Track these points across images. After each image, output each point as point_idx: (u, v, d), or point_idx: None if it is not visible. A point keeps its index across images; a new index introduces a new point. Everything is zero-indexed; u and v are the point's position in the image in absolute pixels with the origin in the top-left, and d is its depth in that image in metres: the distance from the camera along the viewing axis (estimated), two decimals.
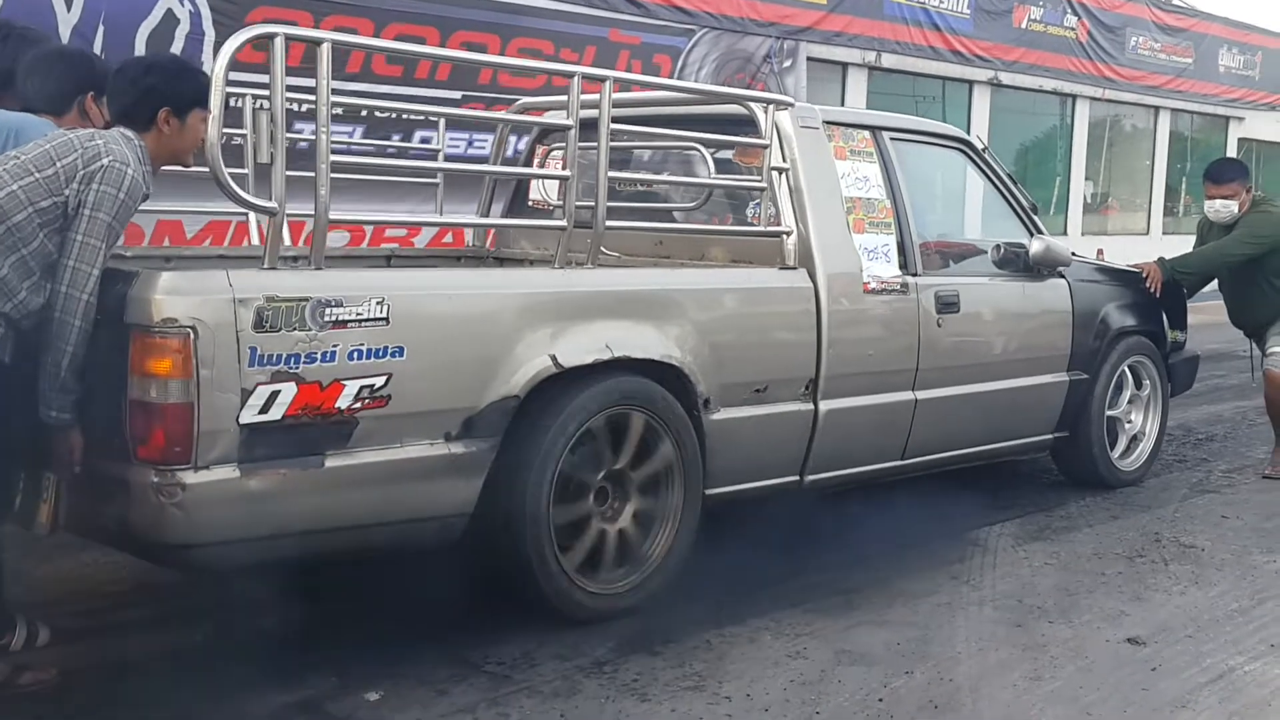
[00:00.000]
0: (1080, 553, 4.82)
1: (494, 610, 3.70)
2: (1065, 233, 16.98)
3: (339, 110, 3.22)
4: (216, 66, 2.96)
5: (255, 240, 4.89)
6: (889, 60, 14.00)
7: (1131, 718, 3.28)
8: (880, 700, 3.36)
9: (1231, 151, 20.24)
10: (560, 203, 5.04)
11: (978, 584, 4.40)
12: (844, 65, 13.65)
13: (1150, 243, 18.21)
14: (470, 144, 9.99)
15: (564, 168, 4.17)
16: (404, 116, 9.03)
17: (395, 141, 8.95)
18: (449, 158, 5.96)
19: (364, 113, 8.53)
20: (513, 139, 5.71)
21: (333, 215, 3.20)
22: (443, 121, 5.59)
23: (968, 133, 6.41)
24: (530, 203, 5.32)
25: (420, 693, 3.29)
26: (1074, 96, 17.08)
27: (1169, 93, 18.39)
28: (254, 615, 3.81)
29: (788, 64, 12.66)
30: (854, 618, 4.02)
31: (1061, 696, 3.41)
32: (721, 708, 3.29)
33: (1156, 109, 18.72)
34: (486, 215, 5.37)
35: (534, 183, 5.28)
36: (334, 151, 3.20)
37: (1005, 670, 3.60)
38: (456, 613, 3.56)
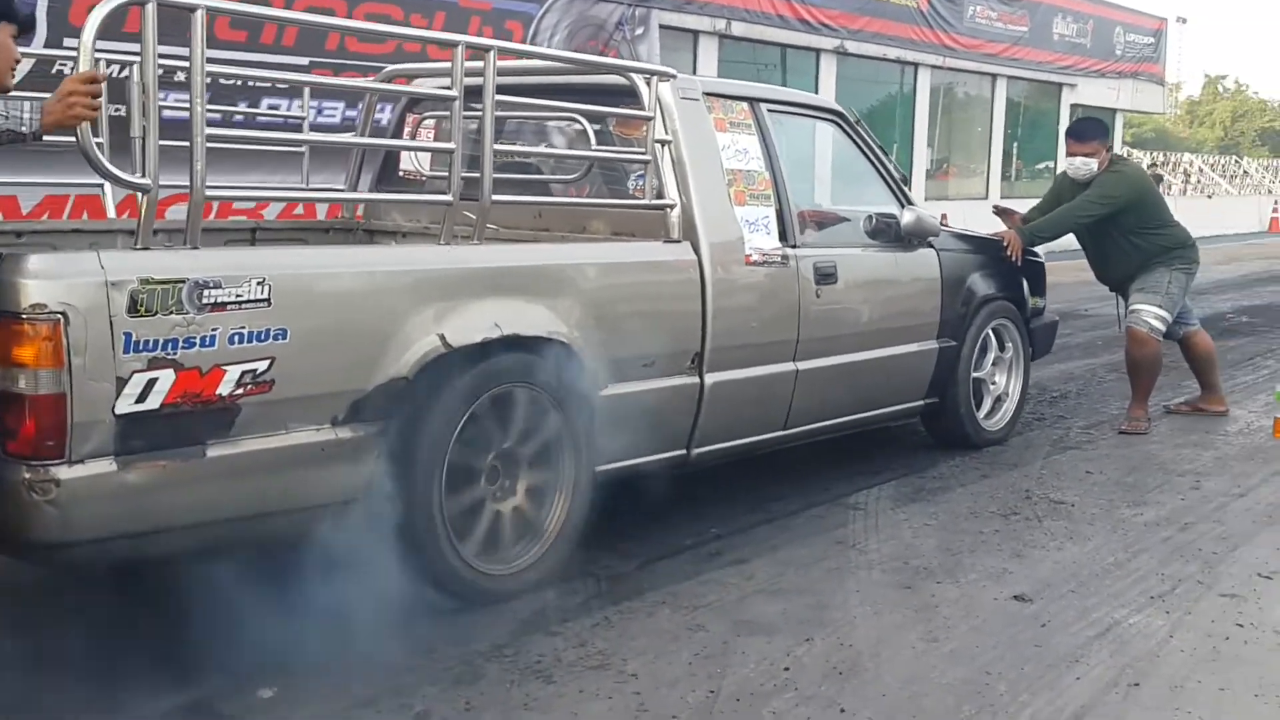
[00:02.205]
0: (957, 512, 4.92)
1: (388, 600, 3.59)
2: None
3: (208, 80, 3.02)
4: (85, 32, 2.76)
5: (111, 214, 4.64)
6: (739, 28, 14.08)
7: (1029, 675, 3.35)
8: (786, 670, 3.36)
9: (1064, 117, 21.00)
10: (437, 174, 4.96)
11: (863, 548, 4.45)
12: (695, 33, 13.69)
13: (988, 207, 18.78)
14: (319, 112, 9.70)
15: (436, 138, 4.05)
16: (249, 84, 8.71)
17: (242, 108, 8.63)
18: (313, 127, 5.72)
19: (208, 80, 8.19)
20: (380, 107, 5.51)
21: (209, 191, 3.03)
22: (307, 90, 5.37)
23: None
24: (401, 173, 5.17)
25: (316, 686, 3.17)
26: (916, 65, 17.47)
27: (1006, 60, 18.97)
28: (130, 615, 3.62)
29: (639, 31, 12.64)
30: (747, 588, 4.02)
31: (959, 657, 3.47)
32: (629, 685, 3.25)
33: (994, 76, 19.30)
34: (355, 186, 5.19)
35: (405, 153, 5.13)
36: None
37: (901, 632, 3.64)
38: (348, 604, 3.43)
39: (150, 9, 2.81)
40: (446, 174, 3.62)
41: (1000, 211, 6.69)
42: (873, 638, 3.60)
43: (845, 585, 4.05)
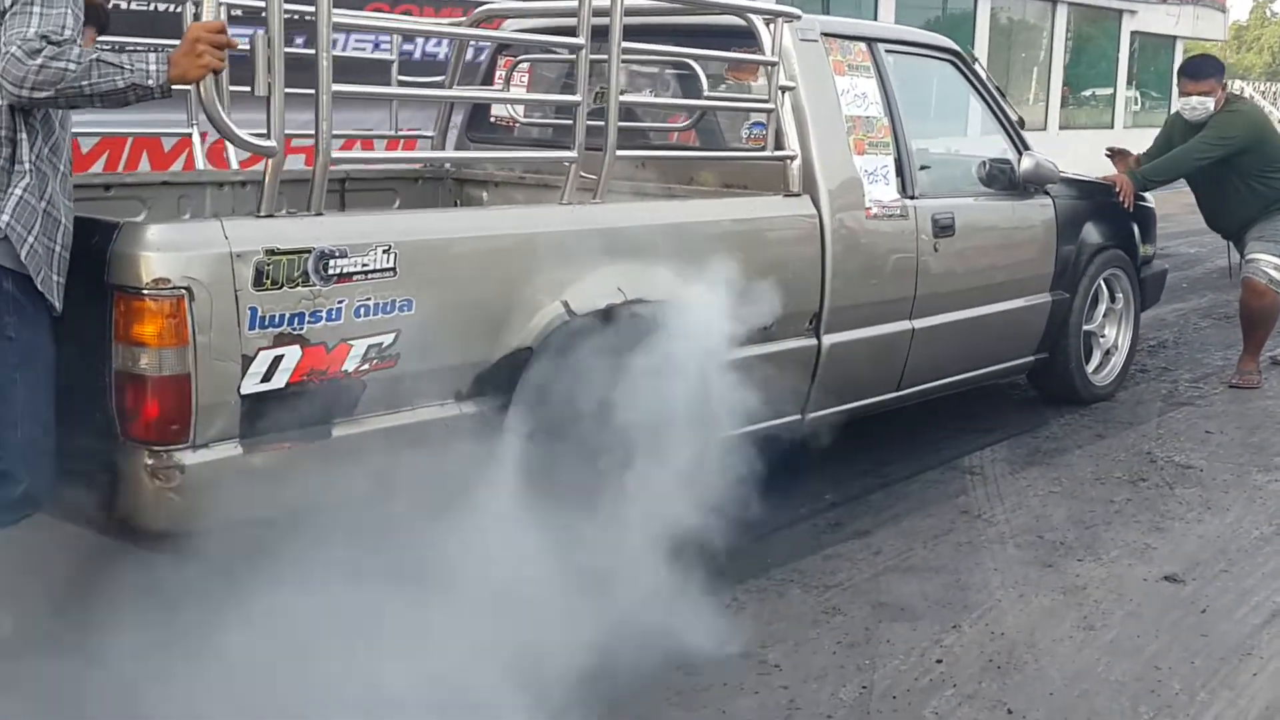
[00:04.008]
0: (1081, 477, 4.68)
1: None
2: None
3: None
4: None
5: (200, 163, 4.42)
6: None
7: (1202, 670, 3.13)
8: (939, 662, 3.15)
9: (1124, 45, 20.40)
10: (532, 120, 4.70)
11: (990, 518, 4.22)
12: None
13: (1049, 138, 18.30)
14: (376, 46, 9.36)
15: (530, 82, 3.74)
16: (305, 19, 8.42)
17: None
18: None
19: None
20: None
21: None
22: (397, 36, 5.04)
23: None
24: (493, 119, 4.90)
25: None
26: None
27: None
28: None
29: None
30: (877, 564, 3.81)
31: (1122, 648, 3.25)
32: (774, 679, 3.06)
33: (1054, 2, 18.68)
34: (445, 132, 4.92)
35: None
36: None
37: (1054, 619, 3.42)
38: None
39: None
40: (552, 123, 3.35)
41: (1113, 153, 6.35)
42: (1025, 625, 3.38)
43: (981, 563, 3.83)
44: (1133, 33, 20.50)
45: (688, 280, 3.57)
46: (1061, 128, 18.98)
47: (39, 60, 2.35)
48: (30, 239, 2.48)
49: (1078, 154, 16.72)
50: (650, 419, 3.63)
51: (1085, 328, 5.61)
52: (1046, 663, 3.16)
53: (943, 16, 16.99)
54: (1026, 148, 5.15)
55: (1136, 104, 21.95)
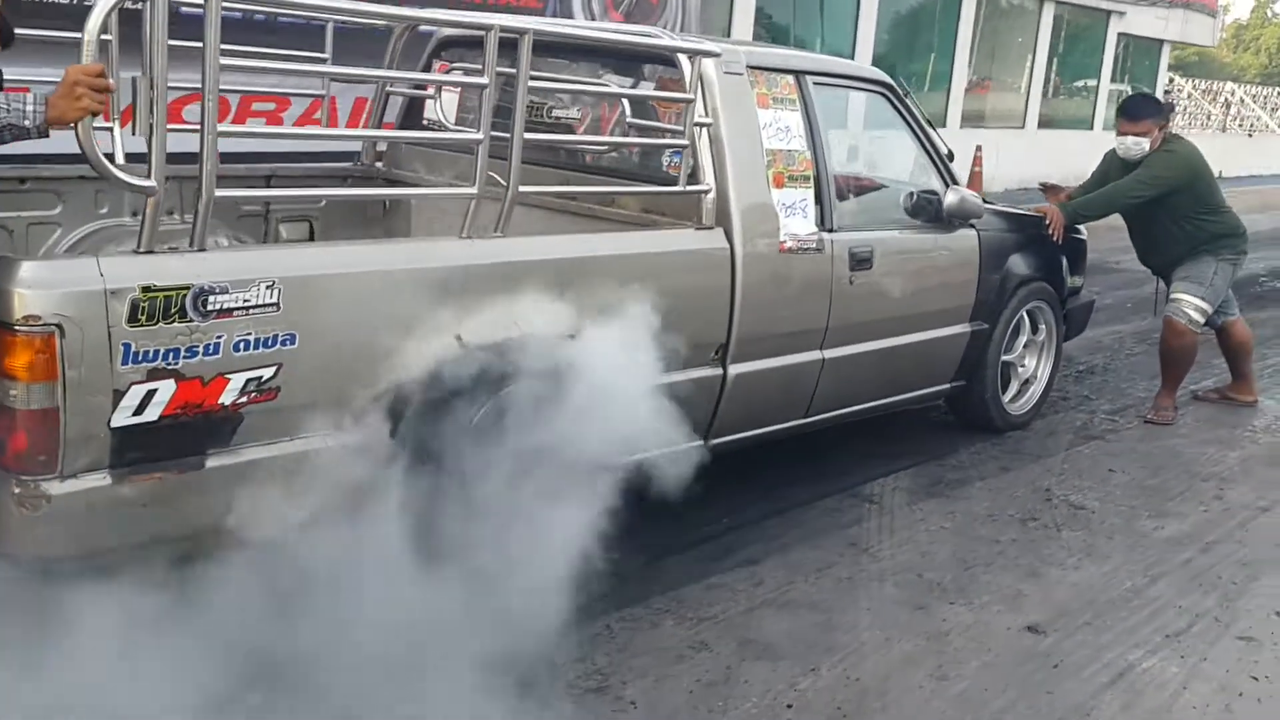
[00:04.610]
0: (974, 513, 4.81)
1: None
2: (945, 116, 16.95)
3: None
4: (90, 22, 2.56)
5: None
6: None
7: None
8: (789, 707, 3.28)
9: (1110, 46, 20.41)
10: (460, 130, 4.74)
11: (876, 553, 4.34)
12: None
13: (1027, 137, 18.36)
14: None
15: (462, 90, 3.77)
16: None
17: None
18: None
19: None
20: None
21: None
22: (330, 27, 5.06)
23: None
24: (425, 122, 4.95)
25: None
26: None
27: None
28: None
29: None
30: (756, 596, 3.93)
31: (969, 701, 3.38)
32: (627, 715, 3.17)
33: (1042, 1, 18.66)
34: (378, 126, 4.99)
35: (429, 101, 4.91)
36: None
37: (911, 667, 3.55)
38: None
39: (160, 3, 2.61)
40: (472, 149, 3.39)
41: (1046, 187, 6.45)
42: (881, 672, 3.50)
43: (857, 600, 3.95)
44: (1120, 34, 20.49)
45: (587, 313, 3.66)
46: (1041, 126, 19.02)
47: None
48: None
49: (1052, 150, 16.85)
50: (541, 448, 3.73)
51: (1004, 358, 5.73)
52: (894, 713, 3.29)
53: (928, 3, 16.96)
54: (954, 181, 5.24)
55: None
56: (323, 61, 4.69)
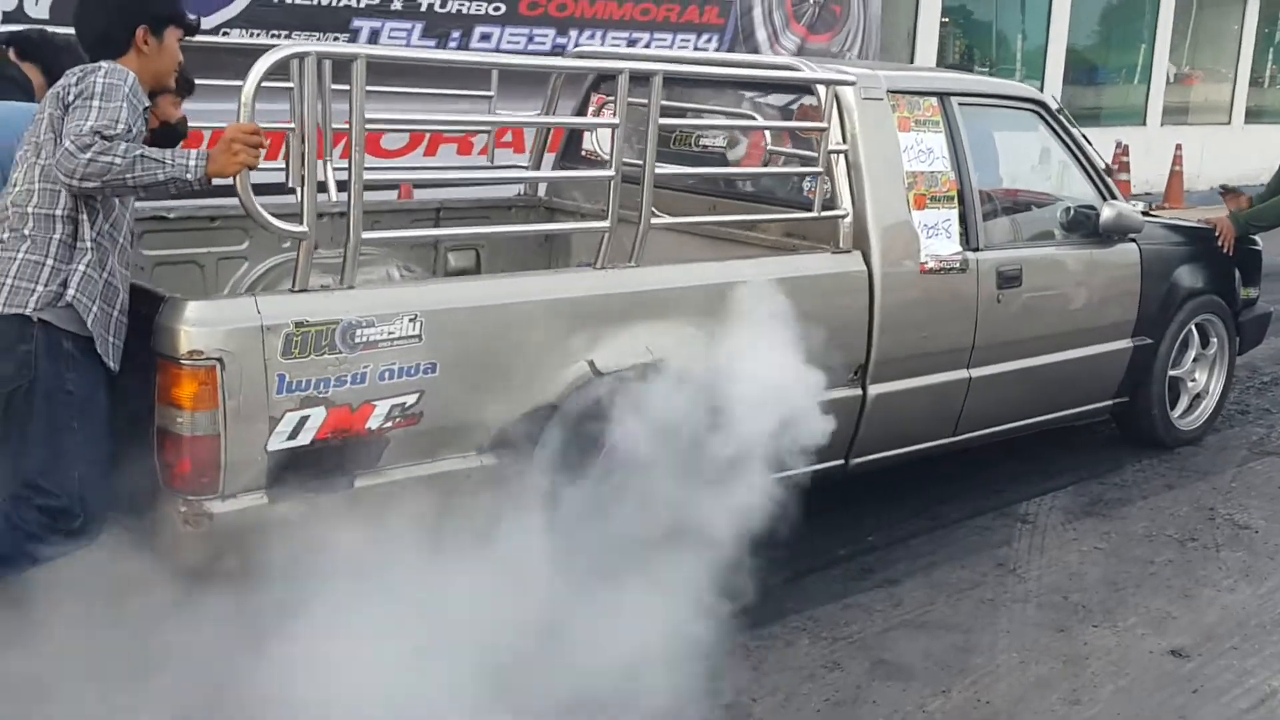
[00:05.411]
0: (1131, 533, 4.72)
1: None
2: (1145, 112, 16.33)
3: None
4: (247, 85, 2.83)
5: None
6: None
7: None
8: None
9: None
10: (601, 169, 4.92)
11: (1024, 573, 4.32)
12: None
13: (1232, 133, 17.51)
14: (530, 39, 9.66)
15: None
16: (463, 12, 8.80)
17: (451, 44, 8.71)
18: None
19: (423, 7, 8.35)
20: None
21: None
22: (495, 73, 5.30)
23: None
24: (583, 153, 5.16)
25: None
26: None
27: None
28: None
29: None
30: (894, 616, 3.97)
31: None
32: None
33: None
34: (539, 161, 5.22)
35: (587, 133, 5.12)
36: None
37: (1044, 690, 3.54)
38: None
39: (309, 61, 2.86)
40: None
41: (1225, 191, 6.21)
42: (1013, 695, 3.51)
43: (997, 622, 3.95)
44: None
45: (720, 338, 3.77)
46: (1249, 120, 18.11)
47: (89, 155, 2.70)
48: (94, 308, 2.86)
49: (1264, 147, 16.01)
50: (680, 470, 3.86)
51: (1172, 373, 5.58)
52: None
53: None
54: (1112, 195, 5.15)
55: None
56: (489, 99, 4.93)
